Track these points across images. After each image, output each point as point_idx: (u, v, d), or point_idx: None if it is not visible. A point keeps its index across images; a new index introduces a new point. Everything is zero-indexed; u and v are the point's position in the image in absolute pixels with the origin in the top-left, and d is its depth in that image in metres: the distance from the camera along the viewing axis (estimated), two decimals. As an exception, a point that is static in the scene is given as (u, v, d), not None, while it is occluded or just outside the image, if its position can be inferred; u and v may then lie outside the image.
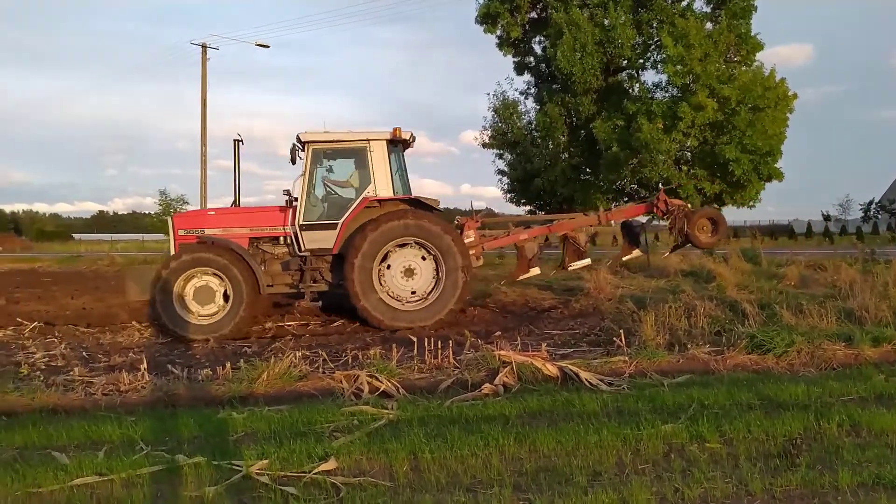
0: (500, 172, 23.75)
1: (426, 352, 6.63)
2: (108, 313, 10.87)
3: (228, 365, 6.42)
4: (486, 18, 21.10)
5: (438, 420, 4.82)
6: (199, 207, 29.23)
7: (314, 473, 3.77)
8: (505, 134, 22.67)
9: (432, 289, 9.41)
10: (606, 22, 19.17)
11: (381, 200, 9.41)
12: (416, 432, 4.45)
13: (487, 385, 5.66)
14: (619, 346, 6.98)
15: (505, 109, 22.58)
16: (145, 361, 6.60)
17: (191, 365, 6.95)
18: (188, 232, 9.72)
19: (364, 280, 9.09)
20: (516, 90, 23.19)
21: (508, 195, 23.94)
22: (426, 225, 9.23)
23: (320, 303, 9.96)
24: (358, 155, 9.85)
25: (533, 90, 23.09)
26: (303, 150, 9.65)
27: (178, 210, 25.87)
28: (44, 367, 7.09)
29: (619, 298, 10.23)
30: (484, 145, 23.44)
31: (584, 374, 5.84)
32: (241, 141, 10.27)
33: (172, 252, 9.42)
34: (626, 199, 23.56)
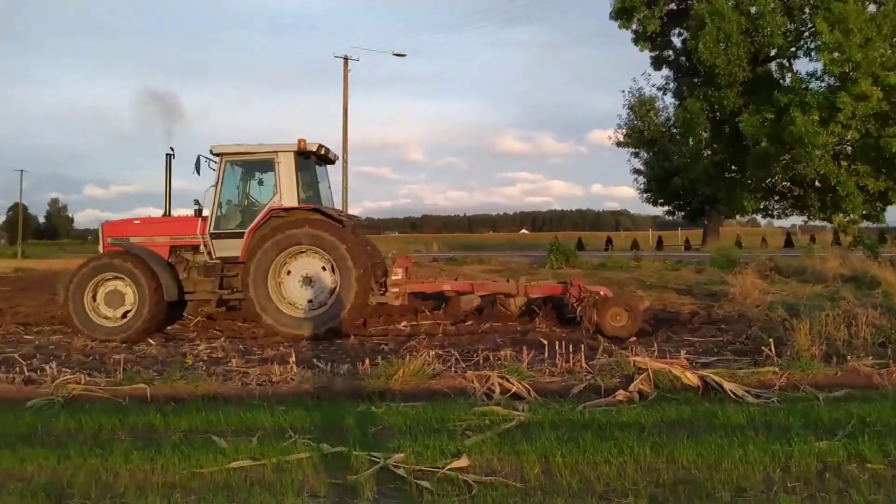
0: (636, 172, 23.05)
1: (557, 355, 6.57)
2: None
3: (367, 361, 6.73)
4: (622, 13, 20.55)
5: (570, 424, 4.76)
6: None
7: (447, 470, 3.86)
8: (641, 131, 21.94)
9: (329, 298, 9.35)
10: (753, 10, 18.03)
11: (286, 210, 9.49)
12: (548, 435, 4.42)
13: (622, 391, 5.51)
14: (768, 356, 6.50)
15: (641, 106, 21.86)
16: (294, 355, 7.08)
17: (334, 360, 7.34)
18: (115, 240, 10.26)
19: (260, 288, 9.18)
20: (653, 86, 22.44)
21: (645, 195, 23.14)
22: (320, 234, 9.23)
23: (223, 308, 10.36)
24: (267, 166, 9.98)
25: (672, 85, 22.19)
26: (214, 162, 9.96)
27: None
28: (206, 358, 7.81)
29: (769, 305, 9.53)
30: (618, 144, 22.82)
31: (728, 385, 5.51)
32: (173, 155, 10.48)
33: None
34: (776, 197, 21.90)
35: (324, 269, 9.47)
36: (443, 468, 3.88)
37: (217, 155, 9.95)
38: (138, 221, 10.83)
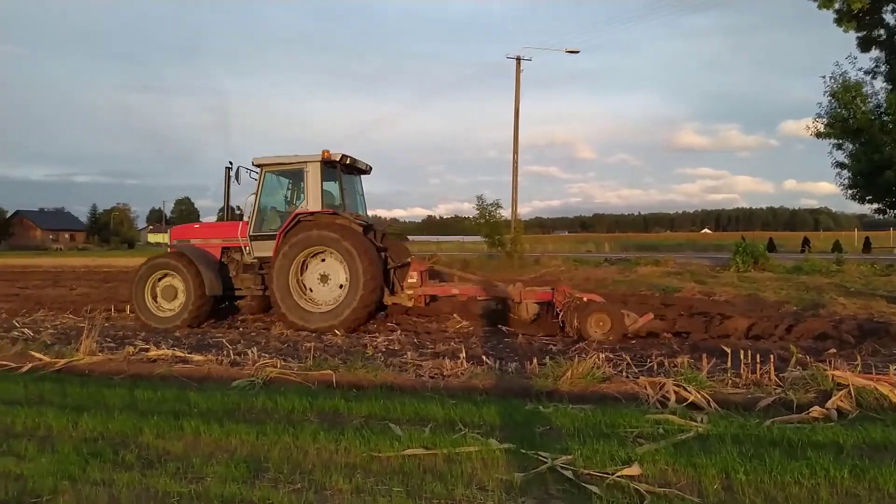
0: (839, 165, 20.65)
1: (742, 365, 6.09)
2: (433, 307, 12.14)
3: (535, 361, 6.73)
4: (823, -9, 18.50)
5: (755, 440, 4.39)
6: (509, 211, 31.14)
7: (617, 476, 3.74)
8: (846, 120, 19.61)
9: (341, 296, 10.08)
10: None
11: (311, 214, 10.31)
12: (729, 450, 4.12)
13: (817, 408, 4.98)
14: None
15: (846, 92, 19.53)
16: (464, 351, 7.28)
17: (502, 357, 7.44)
18: (179, 241, 11.64)
19: (282, 284, 10.11)
20: (860, 69, 19.91)
21: (849, 191, 20.67)
22: (328, 234, 10.04)
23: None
24: (298, 175, 10.93)
25: (882, 68, 19.57)
26: (256, 172, 11.02)
27: (491, 214, 27.94)
28: (384, 349, 8.28)
29: None
30: (818, 135, 20.59)
31: (952, 408, 4.77)
32: (231, 167, 11.32)
33: None
34: None
35: (341, 269, 10.26)
36: (612, 474, 3.77)
37: (257, 166, 11.01)
38: (198, 226, 12.32)
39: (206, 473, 4.02)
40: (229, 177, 11.32)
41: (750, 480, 3.68)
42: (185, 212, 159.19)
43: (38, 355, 7.53)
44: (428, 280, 11.23)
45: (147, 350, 7.87)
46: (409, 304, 10.84)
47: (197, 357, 7.43)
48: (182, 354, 7.58)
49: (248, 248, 11.05)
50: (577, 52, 32.58)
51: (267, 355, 7.42)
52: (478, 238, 34.85)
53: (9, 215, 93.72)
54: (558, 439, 4.50)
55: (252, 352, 7.44)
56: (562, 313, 9.41)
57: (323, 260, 10.45)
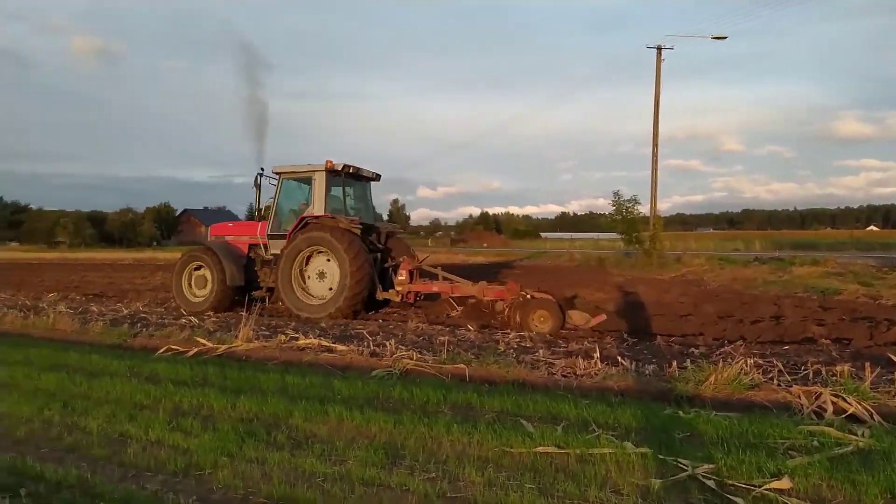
0: None
1: (915, 376, 5.48)
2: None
3: (675, 364, 6.45)
4: None
5: (930, 461, 3.94)
6: (647, 207, 30.02)
7: (765, 489, 3.51)
8: None
9: (331, 293, 11.27)
10: None
11: (315, 217, 11.51)
12: (895, 468, 3.73)
13: None
14: None
15: None
16: (598, 351, 7.13)
17: (638, 359, 7.20)
18: (216, 237, 13.25)
19: (285, 277, 11.52)
20: None
21: None
22: (322, 236, 11.19)
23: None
24: (308, 181, 12.17)
25: None
26: (274, 178, 12.42)
27: (628, 210, 27.12)
28: (516, 346, 8.30)
29: None
30: None
31: None
32: (262, 173, 12.50)
33: None
34: None
35: (337, 269, 11.29)
36: (760, 486, 3.54)
37: (276, 173, 12.42)
38: (231, 224, 13.91)
39: (349, 457, 4.26)
40: (259, 182, 12.61)
41: (923, 505, 3.32)
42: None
43: (202, 341, 8.33)
44: (418, 278, 11.85)
45: (297, 339, 8.46)
46: (397, 300, 11.77)
47: (341, 347, 7.87)
48: (328, 344, 8.07)
49: (266, 245, 12.49)
50: (725, 38, 30.58)
51: (404, 347, 7.70)
52: (614, 235, 33.91)
53: (178, 213, 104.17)
54: (699, 447, 4.29)
55: (390, 343, 7.76)
56: (507, 309, 10.20)
57: (328, 260, 11.56)
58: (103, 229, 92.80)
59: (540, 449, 4.25)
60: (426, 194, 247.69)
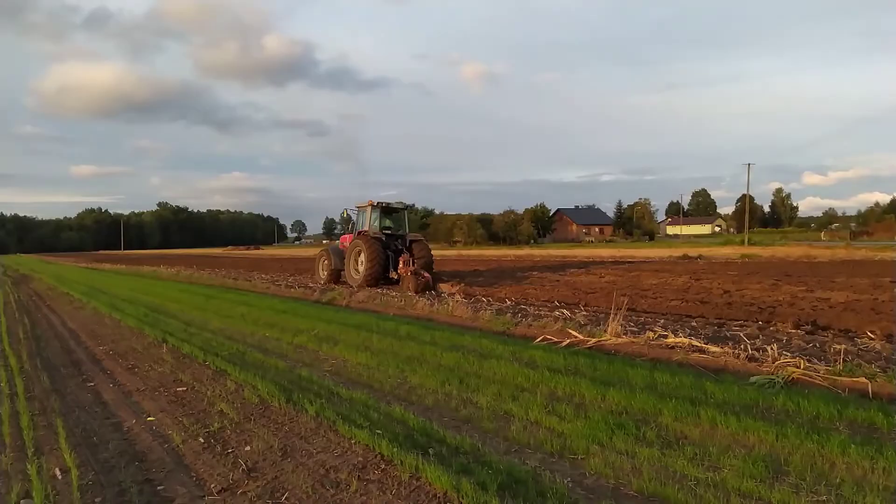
0: None
1: None
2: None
3: None
4: None
5: None
6: None
7: None
8: None
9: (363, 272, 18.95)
10: None
11: (361, 232, 19.69)
12: None
13: None
14: None
15: None
16: None
17: None
18: (342, 243, 21.50)
19: (350, 265, 19.33)
20: None
21: None
22: (359, 240, 19.02)
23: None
24: (364, 212, 20.35)
25: None
26: (362, 211, 20.49)
27: None
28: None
29: None
30: None
31: None
32: (346, 215, 22.76)
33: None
34: None
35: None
36: None
37: (358, 208, 20.63)
38: (345, 235, 21.95)
39: (723, 464, 4.06)
40: (348, 216, 21.54)
41: None
42: (702, 203, 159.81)
43: (574, 333, 8.79)
44: (412, 265, 18.55)
45: (665, 336, 8.30)
46: (395, 278, 18.56)
47: (713, 348, 7.47)
48: (699, 344, 7.73)
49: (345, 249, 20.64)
50: None
51: (788, 354, 6.95)
52: None
53: (551, 213, 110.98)
54: None
55: (772, 349, 7.08)
56: (403, 278, 17.85)
57: (361, 253, 19.01)
58: (490, 229, 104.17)
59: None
60: (813, 181, 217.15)
